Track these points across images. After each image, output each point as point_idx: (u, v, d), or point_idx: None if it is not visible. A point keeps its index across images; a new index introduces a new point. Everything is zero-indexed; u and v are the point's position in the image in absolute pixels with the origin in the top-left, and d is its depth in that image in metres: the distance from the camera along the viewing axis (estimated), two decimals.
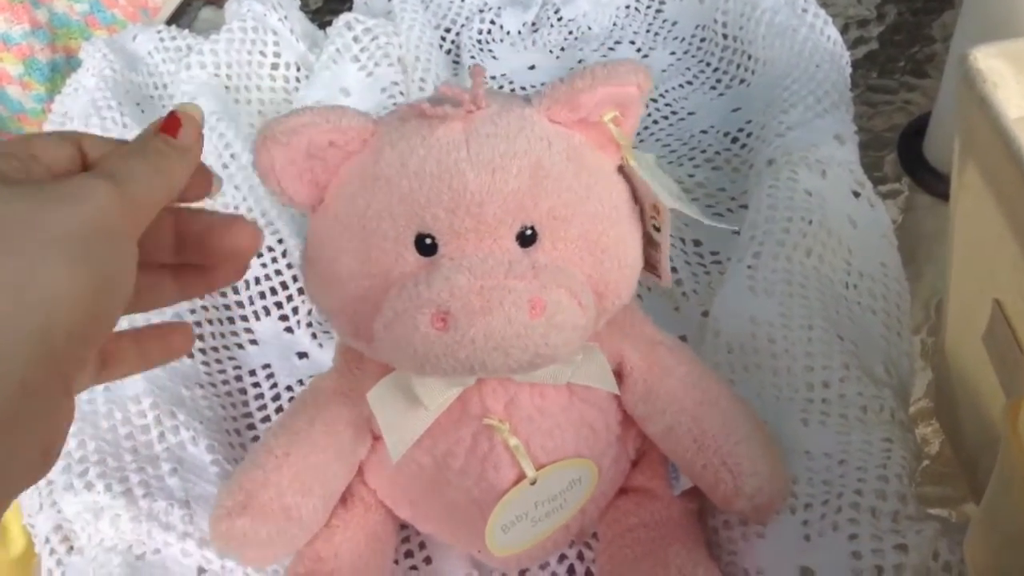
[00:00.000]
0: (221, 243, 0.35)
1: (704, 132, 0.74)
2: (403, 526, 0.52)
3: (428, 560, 0.52)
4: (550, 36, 0.85)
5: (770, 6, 0.74)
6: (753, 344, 0.52)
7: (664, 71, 0.81)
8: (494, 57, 0.84)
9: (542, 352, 0.36)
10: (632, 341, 0.45)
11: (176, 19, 0.95)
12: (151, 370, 0.38)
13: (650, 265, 0.43)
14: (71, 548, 0.51)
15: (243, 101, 0.78)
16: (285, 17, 0.80)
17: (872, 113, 0.75)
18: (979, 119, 0.38)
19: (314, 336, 0.64)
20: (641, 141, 0.75)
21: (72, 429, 0.50)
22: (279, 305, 0.65)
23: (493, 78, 0.83)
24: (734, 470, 0.42)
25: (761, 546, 0.45)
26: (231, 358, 0.63)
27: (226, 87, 0.77)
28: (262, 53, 0.79)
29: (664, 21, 0.85)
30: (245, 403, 0.61)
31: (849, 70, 0.70)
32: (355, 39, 0.76)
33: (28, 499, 0.52)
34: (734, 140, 0.73)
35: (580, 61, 0.83)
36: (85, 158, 0.32)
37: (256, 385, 0.62)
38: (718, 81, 0.78)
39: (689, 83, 0.79)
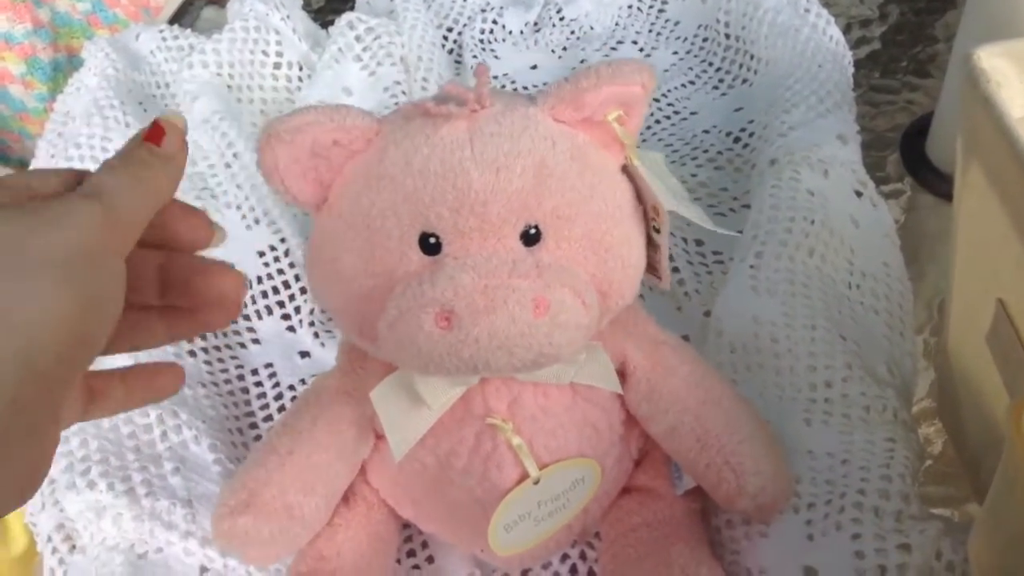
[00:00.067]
0: (207, 288, 0.35)
1: (706, 132, 0.74)
2: (405, 525, 0.52)
3: (430, 559, 0.52)
4: (552, 36, 0.85)
5: (772, 6, 0.73)
6: (756, 344, 0.52)
7: (666, 71, 0.81)
8: (496, 57, 0.84)
9: (546, 351, 0.36)
10: (635, 340, 0.45)
11: (178, 18, 0.95)
12: None
13: (650, 266, 0.43)
14: (73, 547, 0.51)
15: (245, 100, 0.78)
16: (287, 16, 0.80)
17: (875, 113, 0.75)
18: (983, 119, 0.38)
19: (316, 335, 0.64)
20: (644, 141, 0.75)
21: (74, 428, 0.51)
22: (281, 304, 0.65)
23: (495, 78, 0.83)
24: (737, 469, 0.42)
25: (764, 546, 0.45)
26: (233, 357, 0.63)
27: (228, 86, 0.77)
28: (264, 52, 0.79)
29: (666, 21, 0.85)
30: (247, 402, 0.61)
31: (851, 70, 0.70)
32: (357, 38, 0.76)
33: None
34: (736, 140, 0.73)
35: (582, 61, 0.83)
36: (80, 179, 0.32)
37: (258, 384, 0.62)
38: (720, 81, 0.78)
39: (691, 83, 0.79)
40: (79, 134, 0.74)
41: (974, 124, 0.39)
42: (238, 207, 0.68)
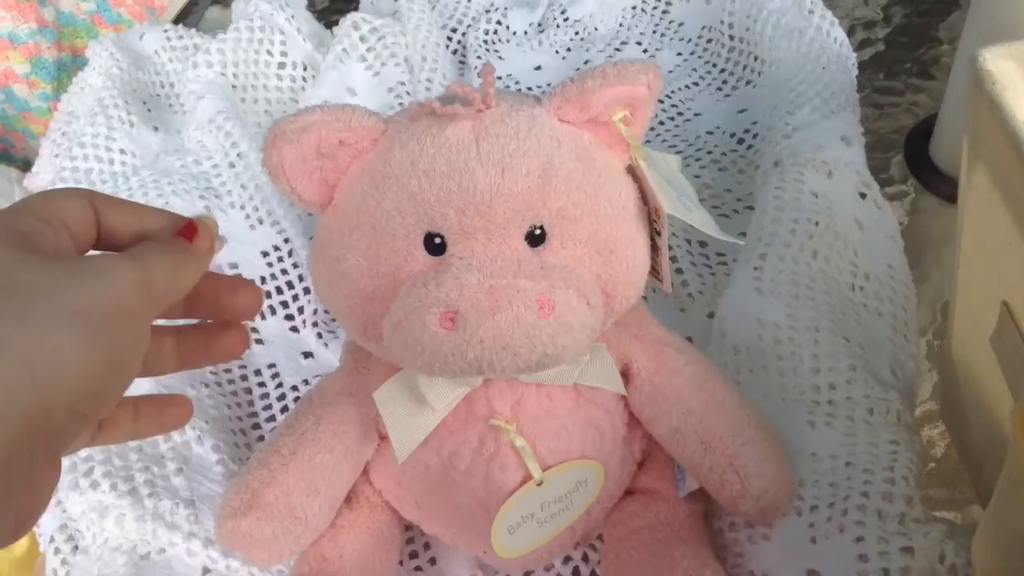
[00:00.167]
0: (231, 301, 0.37)
1: (710, 133, 0.74)
2: (408, 527, 0.52)
3: (433, 561, 0.52)
4: (556, 36, 0.85)
5: (776, 7, 0.73)
6: (759, 346, 0.52)
7: (670, 72, 0.81)
8: (500, 57, 0.84)
9: (550, 352, 0.36)
10: (640, 342, 0.45)
11: (183, 18, 0.95)
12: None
13: (652, 269, 0.43)
14: (76, 547, 0.51)
15: (250, 100, 0.78)
16: (292, 17, 0.80)
17: (879, 115, 0.75)
18: (988, 121, 0.38)
19: (320, 336, 0.64)
20: (648, 142, 0.75)
21: None
22: (285, 304, 0.65)
23: (499, 78, 0.83)
24: (740, 472, 0.42)
25: (767, 548, 0.45)
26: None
27: (233, 86, 0.77)
28: (269, 52, 0.79)
29: (670, 22, 0.85)
30: (250, 403, 0.61)
31: (855, 72, 0.70)
32: (362, 39, 0.76)
33: None
34: (740, 141, 0.73)
35: (586, 62, 0.83)
36: (98, 215, 0.33)
37: (262, 384, 0.62)
38: (724, 82, 0.78)
39: (695, 84, 0.79)
40: (83, 133, 0.74)
41: (979, 126, 0.39)
42: (242, 207, 0.68)
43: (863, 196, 0.60)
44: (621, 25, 0.86)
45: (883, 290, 0.57)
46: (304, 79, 0.80)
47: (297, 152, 0.36)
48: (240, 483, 0.43)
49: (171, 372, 0.38)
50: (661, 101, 0.77)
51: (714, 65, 0.80)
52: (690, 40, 0.83)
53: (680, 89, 0.79)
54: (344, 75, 0.76)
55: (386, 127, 0.38)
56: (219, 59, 0.77)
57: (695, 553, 0.45)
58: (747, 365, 0.52)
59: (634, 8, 0.86)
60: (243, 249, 0.65)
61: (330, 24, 0.83)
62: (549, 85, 0.82)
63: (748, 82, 0.76)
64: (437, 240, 0.36)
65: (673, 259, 0.47)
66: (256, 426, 0.60)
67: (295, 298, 0.65)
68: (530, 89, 0.82)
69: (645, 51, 0.83)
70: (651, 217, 0.41)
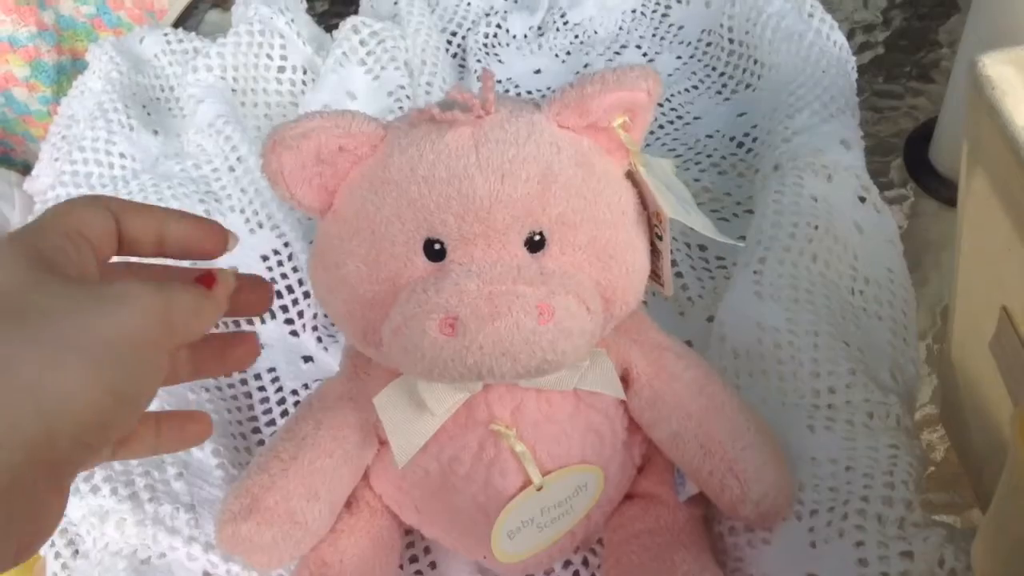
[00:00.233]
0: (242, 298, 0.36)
1: (710, 137, 0.74)
2: (408, 531, 0.52)
3: (433, 565, 0.52)
4: (556, 40, 0.85)
5: (776, 11, 0.73)
6: (759, 350, 0.52)
7: (670, 75, 0.81)
8: (500, 61, 0.84)
9: (550, 358, 0.36)
10: (639, 347, 0.45)
11: (182, 22, 0.95)
12: None
13: (653, 273, 0.43)
14: (76, 552, 0.51)
15: (249, 104, 0.78)
16: (292, 20, 0.80)
17: (878, 118, 0.75)
18: (987, 126, 0.38)
19: (319, 340, 0.64)
20: (647, 146, 0.75)
21: None
22: (284, 309, 0.65)
23: (499, 82, 0.83)
24: (740, 476, 0.42)
25: (767, 552, 0.45)
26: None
27: (233, 90, 0.77)
28: (268, 56, 0.79)
29: (670, 26, 0.85)
30: (250, 407, 0.61)
31: (855, 75, 0.70)
32: (361, 42, 0.76)
33: None
34: (740, 145, 0.73)
35: (586, 65, 0.83)
36: (119, 223, 0.32)
37: (261, 389, 0.62)
38: (724, 86, 0.78)
39: (695, 87, 0.79)
40: (83, 137, 0.74)
41: (978, 131, 0.39)
42: (242, 211, 0.68)
43: (863, 200, 0.60)
44: (621, 29, 0.86)
45: (883, 294, 0.57)
46: (304, 83, 0.80)
47: (297, 158, 0.36)
48: (240, 488, 0.43)
49: (185, 381, 0.38)
50: (661, 105, 0.77)
51: (713, 69, 0.80)
52: (690, 44, 0.83)
53: (680, 93, 0.79)
54: (344, 79, 0.76)
55: (385, 133, 0.38)
56: (219, 63, 0.77)
57: (695, 557, 0.45)
58: (747, 369, 0.52)
59: (634, 12, 0.86)
60: (243, 253, 0.65)
61: (330, 28, 0.83)
62: (549, 88, 0.82)
63: (748, 86, 0.76)
64: (437, 246, 0.36)
65: (673, 263, 0.47)
66: (256, 430, 0.60)
67: (295, 302, 0.65)
68: (530, 93, 0.82)
69: (645, 55, 0.84)
70: (651, 222, 0.41)
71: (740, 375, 0.52)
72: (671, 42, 0.84)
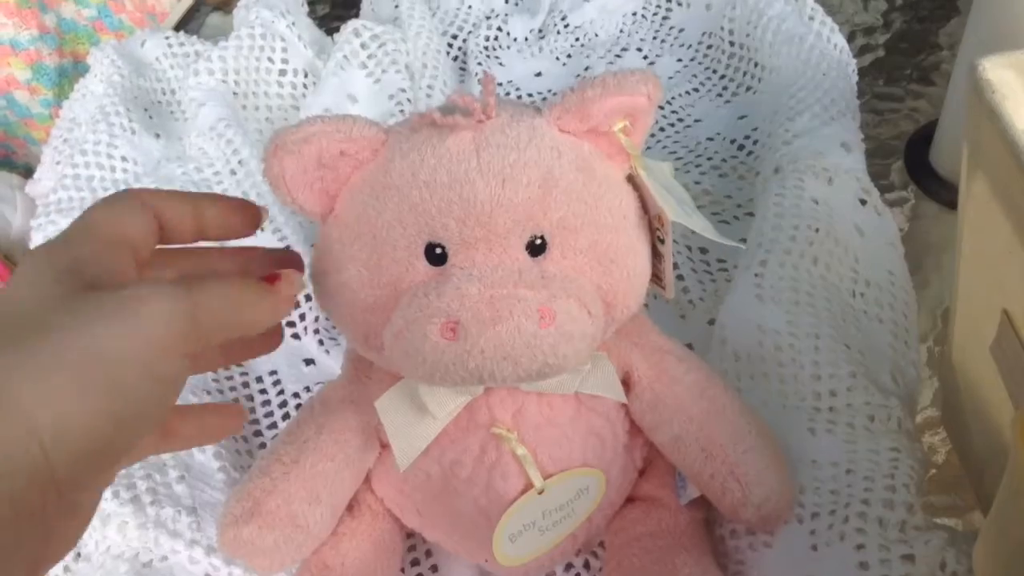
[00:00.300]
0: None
1: (710, 139, 0.75)
2: (410, 534, 0.52)
3: (434, 568, 0.52)
4: (557, 43, 0.85)
5: (777, 14, 0.74)
6: (760, 352, 0.52)
7: (671, 78, 0.81)
8: (501, 64, 0.84)
9: (551, 362, 0.36)
10: (640, 350, 0.45)
11: (184, 25, 0.95)
12: None
13: (655, 276, 0.43)
14: (78, 555, 0.51)
15: (251, 107, 0.78)
16: (293, 24, 0.80)
17: (879, 121, 0.75)
18: (987, 130, 0.38)
19: (321, 343, 0.64)
20: (648, 148, 0.75)
21: None
22: None
23: (500, 85, 0.83)
24: (742, 480, 0.42)
25: (768, 556, 0.45)
26: (238, 364, 0.63)
27: (234, 93, 0.77)
28: (270, 59, 0.79)
29: (671, 28, 0.85)
30: (252, 410, 0.61)
31: (856, 78, 0.71)
32: (362, 46, 0.77)
33: None
34: (740, 147, 0.73)
35: (587, 68, 0.83)
36: (159, 217, 0.32)
37: (263, 392, 0.62)
38: (724, 88, 0.78)
39: (696, 90, 0.79)
40: (85, 140, 0.74)
41: (979, 135, 0.39)
42: None
43: (863, 202, 0.60)
44: (621, 31, 0.86)
45: (883, 296, 0.57)
46: (305, 86, 0.80)
47: (298, 163, 0.36)
48: (242, 491, 0.43)
49: (214, 369, 0.37)
50: (661, 107, 0.78)
51: (714, 71, 0.80)
52: (690, 46, 0.83)
53: (680, 95, 0.79)
54: (345, 82, 0.76)
55: (387, 137, 0.38)
56: (220, 66, 0.77)
57: (696, 561, 0.45)
58: (748, 372, 0.52)
59: (634, 14, 0.87)
60: None
61: (331, 31, 0.83)
62: (549, 91, 0.82)
63: (748, 88, 0.76)
64: (438, 250, 0.36)
65: (674, 266, 0.48)
66: (258, 433, 0.60)
67: (296, 305, 0.65)
68: (530, 95, 0.83)
69: (645, 57, 0.84)
70: (653, 225, 0.41)
71: (741, 378, 0.52)
72: (672, 45, 0.84)
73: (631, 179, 0.40)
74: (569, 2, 0.87)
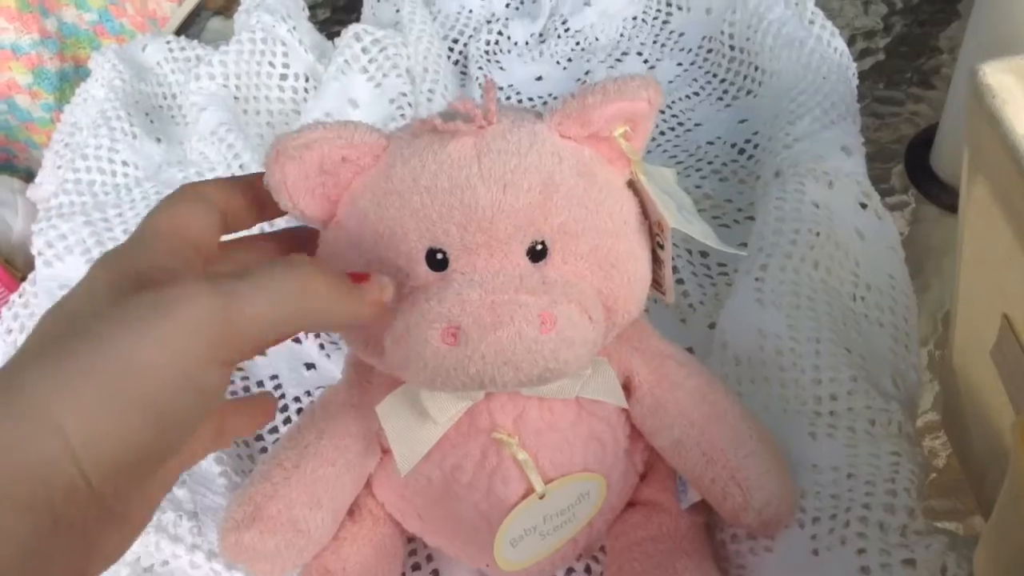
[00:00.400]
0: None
1: (711, 143, 0.75)
2: (411, 539, 0.52)
3: (436, 573, 0.52)
4: (557, 47, 0.85)
5: (777, 17, 0.74)
6: (760, 356, 0.52)
7: (671, 82, 0.81)
8: (501, 68, 0.85)
9: (552, 367, 0.36)
10: (641, 355, 0.45)
11: (184, 29, 0.96)
12: None
13: (655, 281, 0.43)
14: None
15: (252, 112, 0.78)
16: (294, 28, 0.80)
17: (879, 125, 0.75)
18: (988, 135, 0.38)
19: (322, 347, 0.64)
20: (648, 152, 0.75)
21: None
22: None
23: (500, 89, 0.83)
24: (743, 484, 0.42)
25: (769, 560, 0.45)
26: (239, 368, 0.63)
27: (235, 98, 0.77)
28: (271, 64, 0.79)
29: (671, 32, 0.85)
30: None
31: (856, 81, 0.71)
32: (363, 50, 0.77)
33: None
34: (741, 151, 0.73)
35: (587, 72, 0.83)
36: (224, 212, 0.32)
37: None
38: (725, 92, 0.78)
39: (696, 94, 0.79)
40: (86, 145, 0.74)
41: (979, 140, 0.39)
42: None
43: (864, 206, 0.60)
44: (622, 35, 0.86)
45: (884, 300, 0.57)
46: (306, 90, 0.80)
47: (300, 169, 0.36)
48: (243, 496, 0.43)
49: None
50: (662, 112, 0.78)
51: (714, 75, 0.80)
52: (690, 50, 0.83)
53: (681, 99, 0.79)
54: (346, 86, 0.76)
55: (388, 143, 0.38)
56: (221, 71, 0.77)
57: (697, 565, 0.45)
58: (748, 376, 0.52)
59: (635, 19, 0.87)
60: None
61: (332, 35, 0.84)
62: (550, 95, 0.83)
63: (749, 92, 0.76)
64: (439, 256, 0.36)
65: (674, 270, 0.48)
66: (259, 437, 0.60)
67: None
68: (531, 100, 0.83)
69: (646, 61, 0.84)
70: (653, 231, 0.41)
71: (742, 382, 0.52)
72: (672, 49, 0.84)
73: (632, 184, 0.40)
74: (569, 6, 0.87)
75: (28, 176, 0.84)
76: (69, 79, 0.90)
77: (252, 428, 0.37)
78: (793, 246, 0.56)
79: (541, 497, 0.42)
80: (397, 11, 0.82)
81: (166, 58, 0.83)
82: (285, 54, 0.79)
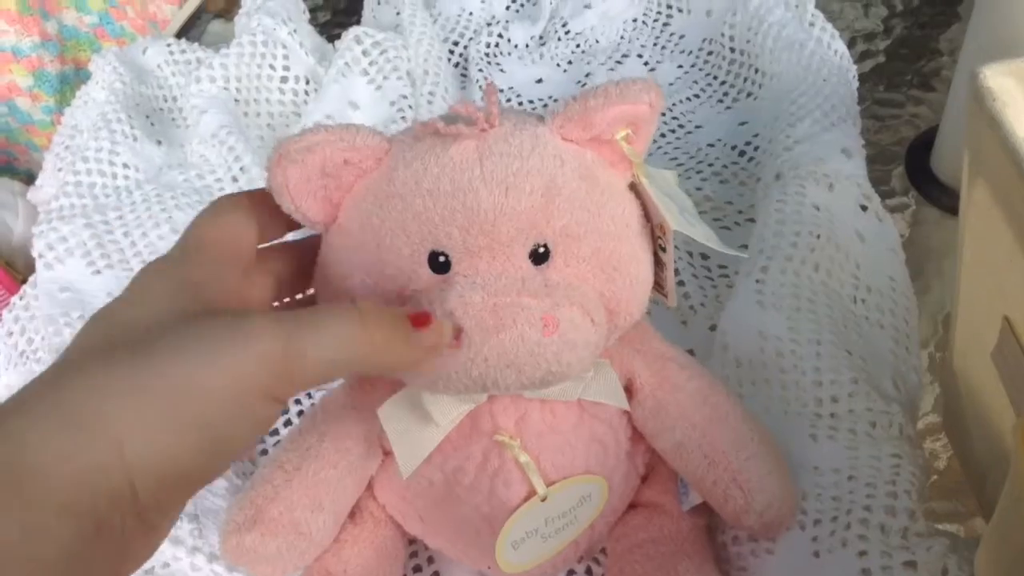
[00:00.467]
0: None
1: (711, 145, 0.75)
2: (412, 541, 0.52)
3: (437, 575, 0.52)
4: (558, 49, 0.85)
5: (777, 20, 0.74)
6: (761, 358, 0.52)
7: (671, 84, 0.81)
8: (502, 70, 0.85)
9: (554, 370, 0.36)
10: (642, 357, 0.45)
11: (185, 32, 0.96)
12: None
13: (657, 284, 0.43)
14: None
15: (252, 114, 0.79)
16: (294, 31, 0.80)
17: (879, 127, 0.75)
18: (988, 137, 0.38)
19: None
20: (649, 155, 0.75)
21: None
22: None
23: (501, 91, 0.83)
24: (744, 487, 0.42)
25: (770, 562, 0.45)
26: None
27: (236, 100, 0.77)
28: (271, 67, 0.79)
29: (671, 35, 0.85)
30: None
31: (856, 84, 0.71)
32: (364, 53, 0.77)
33: None
34: (741, 154, 0.73)
35: (587, 75, 0.84)
36: (259, 219, 0.33)
37: None
38: (725, 94, 0.79)
39: (696, 96, 0.79)
40: (86, 147, 0.74)
41: (979, 143, 0.40)
42: None
43: (864, 208, 0.60)
44: (622, 38, 0.86)
45: (885, 302, 0.57)
46: (306, 93, 0.81)
47: (302, 172, 0.36)
48: (244, 498, 0.43)
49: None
50: (662, 114, 0.77)
51: (715, 78, 0.80)
52: (691, 53, 0.83)
53: (681, 102, 0.79)
54: (346, 89, 0.76)
55: (390, 146, 0.38)
56: (222, 73, 0.77)
57: (698, 567, 0.45)
58: (749, 378, 0.53)
59: (635, 21, 0.87)
60: None
61: (332, 38, 0.84)
62: (551, 98, 0.83)
63: (749, 94, 0.77)
64: (441, 259, 0.36)
65: (676, 272, 0.48)
66: (260, 440, 0.60)
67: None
68: (531, 102, 0.83)
69: (646, 64, 0.84)
70: (655, 234, 0.41)
71: (743, 384, 0.52)
72: (672, 51, 0.84)
73: (633, 187, 0.40)
74: (570, 9, 0.87)
75: (29, 178, 0.84)
76: (70, 82, 0.90)
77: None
78: (794, 248, 0.56)
79: (543, 499, 0.42)
80: (397, 13, 0.82)
81: (167, 61, 0.83)
82: (286, 57, 0.80)
